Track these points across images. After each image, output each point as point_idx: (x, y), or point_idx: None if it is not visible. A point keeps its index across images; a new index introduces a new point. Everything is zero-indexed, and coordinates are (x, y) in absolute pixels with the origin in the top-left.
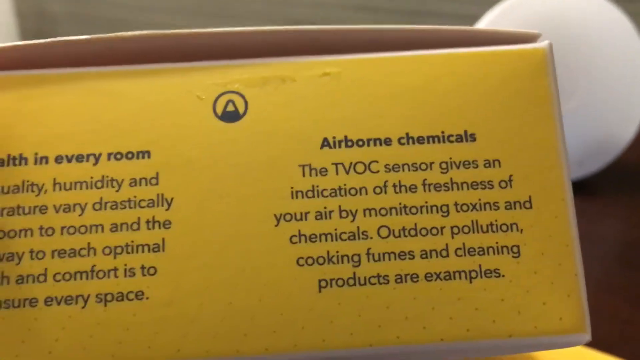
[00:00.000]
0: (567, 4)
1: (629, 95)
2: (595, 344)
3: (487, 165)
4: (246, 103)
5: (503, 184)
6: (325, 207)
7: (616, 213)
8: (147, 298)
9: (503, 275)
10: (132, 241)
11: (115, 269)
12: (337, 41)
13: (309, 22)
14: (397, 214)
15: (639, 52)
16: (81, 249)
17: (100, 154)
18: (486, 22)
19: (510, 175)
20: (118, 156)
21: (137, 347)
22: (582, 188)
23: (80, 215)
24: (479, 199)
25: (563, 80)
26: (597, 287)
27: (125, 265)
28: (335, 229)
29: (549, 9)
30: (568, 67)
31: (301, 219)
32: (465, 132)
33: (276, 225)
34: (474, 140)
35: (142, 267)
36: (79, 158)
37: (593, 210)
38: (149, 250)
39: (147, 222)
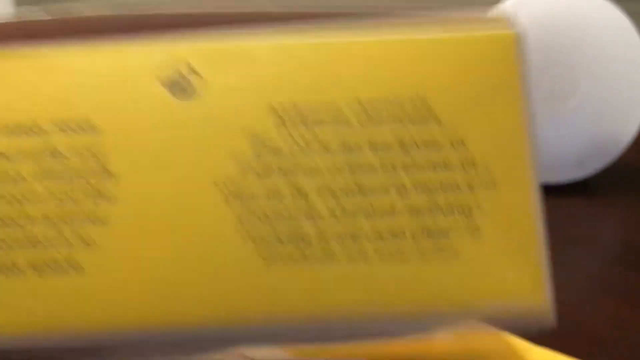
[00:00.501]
0: (568, 4)
1: (630, 95)
2: (596, 344)
3: (450, 145)
4: (197, 77)
5: (466, 166)
6: (277, 186)
7: (616, 213)
8: (84, 270)
9: (462, 255)
10: (73, 213)
11: (54, 240)
12: (294, 13)
13: None
14: (352, 194)
15: (639, 52)
16: (19, 217)
17: (44, 125)
18: None
19: (474, 157)
20: (63, 127)
21: (73, 317)
22: (582, 188)
23: (20, 184)
24: (440, 180)
25: (563, 80)
26: (597, 288)
27: (64, 236)
28: (286, 208)
29: (549, 9)
30: (568, 66)
31: (251, 197)
32: (429, 113)
33: (225, 203)
34: (438, 121)
35: (81, 239)
36: (22, 128)
37: (593, 211)
38: (89, 223)
39: (90, 194)
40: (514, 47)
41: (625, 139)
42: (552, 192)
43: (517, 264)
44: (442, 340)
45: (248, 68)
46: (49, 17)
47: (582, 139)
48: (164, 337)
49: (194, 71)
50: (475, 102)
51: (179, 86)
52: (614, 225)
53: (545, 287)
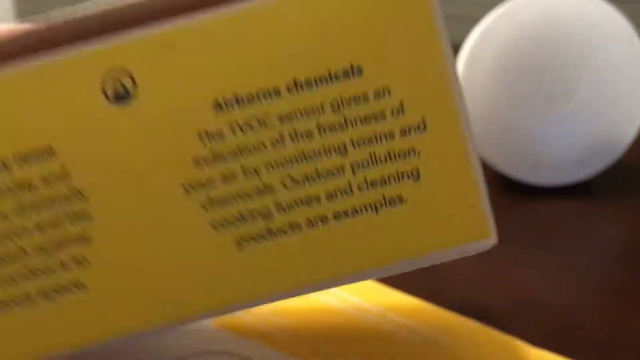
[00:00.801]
0: (567, 6)
1: (630, 95)
2: (595, 347)
3: (377, 96)
4: (134, 80)
5: (395, 112)
6: (229, 170)
7: (617, 214)
8: (87, 286)
9: (406, 200)
10: (59, 236)
11: (52, 266)
12: None
13: None
14: (297, 163)
15: (638, 53)
16: (15, 253)
17: (7, 159)
18: (486, 25)
19: (401, 101)
20: (24, 157)
21: (90, 332)
22: (583, 189)
23: (4, 222)
24: (374, 131)
25: (564, 81)
26: (597, 289)
27: (59, 260)
28: (243, 189)
29: (550, 11)
30: (568, 68)
31: (209, 186)
32: (352, 65)
33: (186, 196)
34: (361, 73)
35: (75, 260)
36: None
37: (593, 212)
38: (76, 243)
39: (68, 216)
40: None
41: (626, 139)
42: (553, 193)
43: (458, 200)
44: (441, 342)
45: (179, 60)
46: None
47: (582, 140)
48: (162, 329)
49: (125, 74)
50: (394, 47)
51: (116, 92)
52: (615, 226)
53: (486, 214)
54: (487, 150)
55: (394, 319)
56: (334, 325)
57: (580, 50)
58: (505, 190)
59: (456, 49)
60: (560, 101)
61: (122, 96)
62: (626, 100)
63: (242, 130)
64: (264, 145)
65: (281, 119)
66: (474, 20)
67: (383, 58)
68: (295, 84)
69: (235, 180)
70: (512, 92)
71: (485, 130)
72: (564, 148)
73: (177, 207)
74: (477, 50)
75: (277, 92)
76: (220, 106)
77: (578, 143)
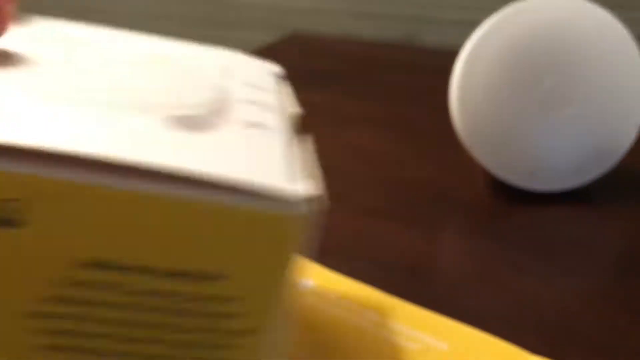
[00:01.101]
0: (565, 13)
1: (627, 102)
2: (594, 352)
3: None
4: (23, 213)
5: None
6: (71, 313)
7: (614, 221)
8: None
9: None
10: None
11: None
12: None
13: (307, 29)
14: (132, 327)
15: (637, 60)
16: None
17: None
18: (485, 30)
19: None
20: None
21: None
22: (581, 195)
23: None
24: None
25: (562, 87)
26: (596, 295)
27: None
28: (77, 332)
29: (548, 17)
30: (566, 74)
31: (49, 318)
32: (207, 271)
33: (27, 320)
34: (224, 279)
35: None
36: None
37: (590, 218)
38: None
39: None
40: (293, 228)
41: (624, 146)
42: (551, 199)
43: None
44: (440, 349)
45: (71, 213)
46: None
47: (580, 146)
48: None
49: (19, 203)
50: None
51: (3, 218)
52: (611, 232)
53: None
54: (486, 156)
55: (392, 326)
56: (332, 333)
57: (578, 57)
58: (503, 196)
59: (455, 53)
60: (558, 107)
61: (7, 222)
62: (624, 106)
63: (93, 289)
64: (108, 308)
65: (130, 293)
66: (472, 25)
67: (239, 269)
68: (155, 271)
69: (73, 322)
70: (510, 98)
71: (484, 136)
72: (562, 154)
73: (15, 327)
74: (475, 55)
75: (133, 270)
76: (83, 265)
77: (576, 149)
